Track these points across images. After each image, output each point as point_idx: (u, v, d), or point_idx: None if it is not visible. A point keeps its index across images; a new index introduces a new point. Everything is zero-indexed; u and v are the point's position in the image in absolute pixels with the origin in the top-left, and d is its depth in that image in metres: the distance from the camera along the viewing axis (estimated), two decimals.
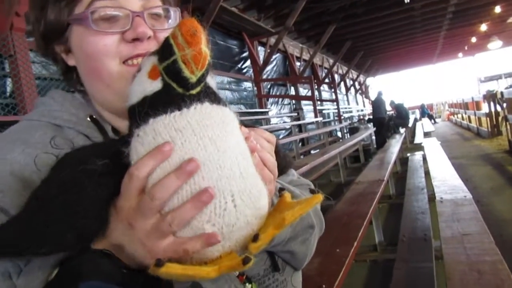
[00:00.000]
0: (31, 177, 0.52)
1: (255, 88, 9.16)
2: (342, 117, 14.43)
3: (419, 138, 11.76)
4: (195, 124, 0.43)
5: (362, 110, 20.72)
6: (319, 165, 5.51)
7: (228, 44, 8.49)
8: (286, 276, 0.68)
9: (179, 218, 0.42)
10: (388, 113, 12.34)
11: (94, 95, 0.64)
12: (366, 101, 23.71)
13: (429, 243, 3.19)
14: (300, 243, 0.67)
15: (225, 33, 8.28)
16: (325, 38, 11.06)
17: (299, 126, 10.44)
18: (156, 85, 0.44)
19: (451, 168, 5.03)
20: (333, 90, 14.90)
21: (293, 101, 11.31)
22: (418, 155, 7.66)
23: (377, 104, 11.60)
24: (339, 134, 13.29)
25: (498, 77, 28.44)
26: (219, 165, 0.43)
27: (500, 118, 10.56)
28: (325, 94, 14.79)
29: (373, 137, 11.48)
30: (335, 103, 13.77)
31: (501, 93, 9.40)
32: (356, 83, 21.30)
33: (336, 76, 16.53)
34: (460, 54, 26.34)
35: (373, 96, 15.60)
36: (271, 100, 9.94)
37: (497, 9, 12.47)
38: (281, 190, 0.55)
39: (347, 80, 18.92)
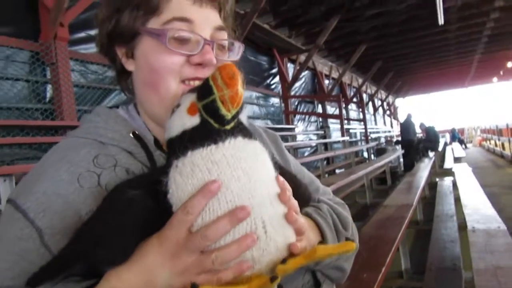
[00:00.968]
0: (74, 195, 0.55)
1: (283, 104, 9.19)
2: (369, 138, 14.22)
3: (449, 163, 11.40)
4: (230, 157, 0.46)
5: (389, 131, 20.37)
6: (345, 186, 5.43)
7: (258, 60, 8.59)
8: None
9: (222, 258, 0.45)
10: (417, 135, 12.07)
11: (145, 105, 0.66)
12: (394, 122, 23.31)
13: (459, 273, 3.06)
14: (345, 260, 0.70)
15: (256, 49, 8.40)
16: (355, 57, 11.03)
17: (325, 144, 10.36)
18: (194, 121, 0.48)
19: (483, 196, 4.85)
20: (360, 109, 14.75)
21: (320, 119, 11.27)
22: (447, 181, 7.42)
23: (406, 126, 11.37)
24: (365, 154, 13.08)
25: None
26: (251, 194, 0.46)
27: None
28: (353, 114, 14.66)
29: (401, 160, 11.23)
30: (362, 122, 13.61)
31: None
32: (385, 104, 21.02)
33: (365, 96, 16.39)
34: (495, 79, 25.60)
35: (401, 117, 15.36)
36: (298, 116, 9.94)
37: None
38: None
39: (376, 100, 18.70)
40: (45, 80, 3.89)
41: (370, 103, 17.74)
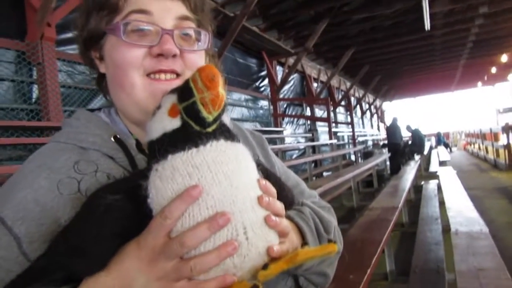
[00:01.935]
0: (53, 202, 0.55)
1: (271, 107, 9.22)
2: (357, 141, 14.35)
3: (434, 167, 11.59)
4: (211, 161, 0.45)
5: (377, 135, 20.58)
6: (332, 188, 5.47)
7: (247, 63, 8.61)
8: None
9: (201, 265, 0.44)
10: (403, 139, 12.24)
11: (117, 104, 0.66)
12: (381, 125, 23.57)
13: (443, 275, 3.11)
14: (327, 265, 0.70)
15: (245, 51, 8.41)
16: (343, 61, 11.13)
17: (313, 147, 10.42)
18: (175, 123, 0.47)
19: (467, 199, 4.94)
20: (348, 113, 14.89)
21: (308, 122, 11.33)
22: (432, 184, 7.54)
23: (392, 130, 11.52)
24: (352, 157, 13.19)
25: None
26: (232, 200, 0.45)
27: None
28: (341, 117, 14.77)
29: (388, 163, 11.36)
30: (350, 126, 13.73)
31: None
32: (372, 107, 21.24)
33: (352, 99, 16.53)
34: (480, 84, 26.09)
35: (388, 121, 15.53)
36: (286, 119, 9.98)
37: None
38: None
39: (363, 104, 18.88)
40: (31, 81, 3.84)
41: (358, 107, 17.91)
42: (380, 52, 12.12)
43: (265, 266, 0.46)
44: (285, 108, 10.11)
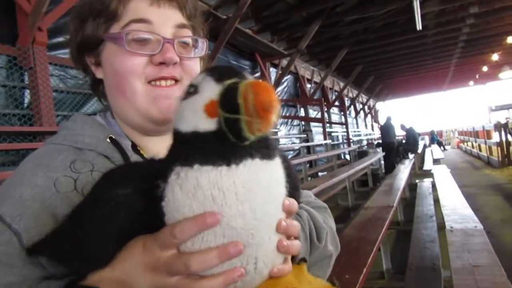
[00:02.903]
0: (51, 200, 0.56)
1: None
2: (351, 141, 14.40)
3: (428, 165, 11.65)
4: (240, 187, 0.40)
5: (371, 134, 20.68)
6: (327, 188, 5.49)
7: (240, 64, 8.61)
8: None
9: (205, 287, 0.42)
10: (397, 138, 12.30)
11: (116, 110, 0.68)
12: (375, 125, 23.68)
13: (438, 273, 3.13)
14: (318, 269, 0.69)
15: (238, 53, 8.42)
16: (336, 62, 11.18)
17: (308, 147, 10.44)
18: (210, 125, 0.40)
19: (461, 196, 4.97)
20: (342, 113, 14.94)
21: (303, 123, 11.35)
22: (427, 182, 7.58)
23: (386, 129, 11.58)
24: (347, 157, 13.24)
25: (509, 107, 28.31)
26: (252, 233, 0.41)
27: (511, 148, 10.46)
28: (335, 117, 14.82)
29: (382, 162, 11.41)
30: (344, 126, 13.78)
31: None
32: (366, 107, 21.34)
33: (346, 100, 16.60)
34: (471, 82, 26.33)
35: (382, 120, 15.62)
36: (280, 120, 9.99)
37: (509, 39, 12.55)
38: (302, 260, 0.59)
39: (357, 104, 18.97)
40: (23, 85, 3.81)
41: (352, 107, 17.99)
42: (373, 53, 12.19)
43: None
44: (279, 109, 10.11)
